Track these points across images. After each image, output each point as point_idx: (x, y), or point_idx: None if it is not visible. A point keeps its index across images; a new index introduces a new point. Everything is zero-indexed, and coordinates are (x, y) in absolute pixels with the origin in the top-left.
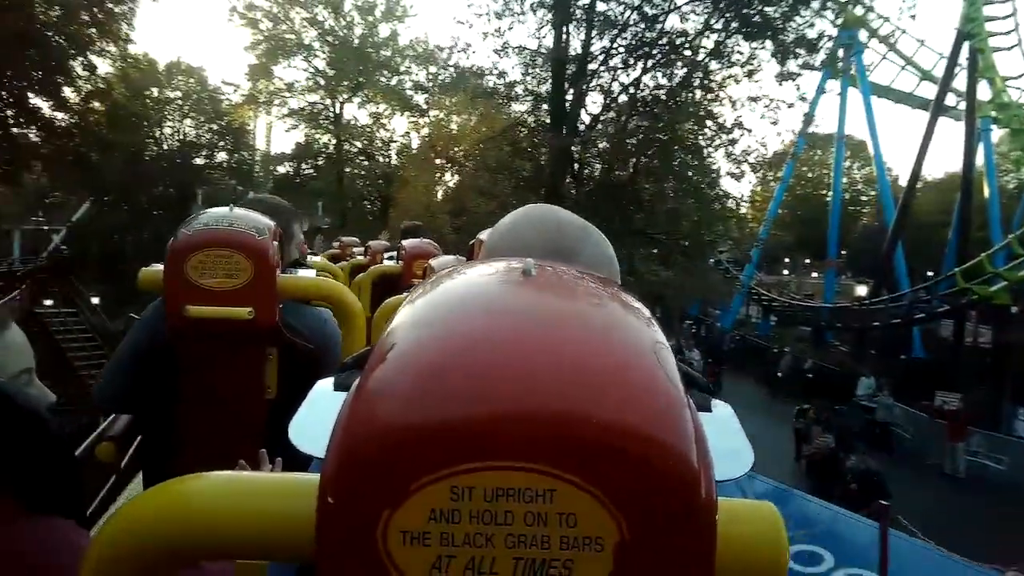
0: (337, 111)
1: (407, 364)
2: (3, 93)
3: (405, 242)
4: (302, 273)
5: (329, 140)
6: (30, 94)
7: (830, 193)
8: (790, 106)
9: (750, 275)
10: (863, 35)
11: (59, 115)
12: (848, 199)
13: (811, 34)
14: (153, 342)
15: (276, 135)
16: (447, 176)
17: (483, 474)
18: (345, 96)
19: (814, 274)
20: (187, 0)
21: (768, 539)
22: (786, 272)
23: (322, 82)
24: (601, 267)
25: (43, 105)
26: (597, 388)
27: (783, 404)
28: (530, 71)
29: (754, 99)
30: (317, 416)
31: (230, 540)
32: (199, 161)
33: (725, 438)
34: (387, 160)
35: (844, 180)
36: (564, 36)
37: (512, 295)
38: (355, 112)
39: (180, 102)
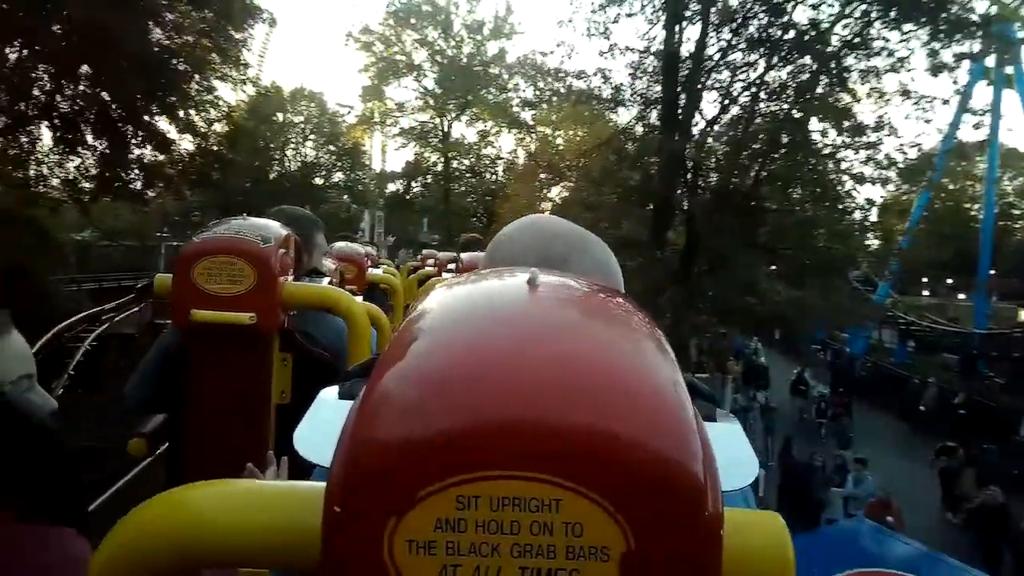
0: (445, 129)
1: (413, 374)
2: (129, 116)
3: (463, 255)
4: (324, 282)
5: (438, 159)
6: (156, 118)
7: (975, 206)
8: (945, 102)
9: (885, 294)
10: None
11: (186, 137)
12: (997, 212)
13: (971, 16)
14: (178, 347)
15: (388, 154)
16: (553, 191)
17: (489, 483)
18: (453, 114)
19: (960, 296)
20: (309, 29)
21: (774, 550)
22: (926, 293)
23: (431, 101)
24: (596, 276)
25: (169, 129)
26: (602, 398)
27: (926, 442)
28: (639, 73)
29: (904, 93)
30: (321, 425)
31: (235, 549)
32: (318, 181)
33: (730, 448)
34: (493, 176)
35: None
36: (677, 31)
37: (517, 305)
38: (463, 130)
39: (302, 126)
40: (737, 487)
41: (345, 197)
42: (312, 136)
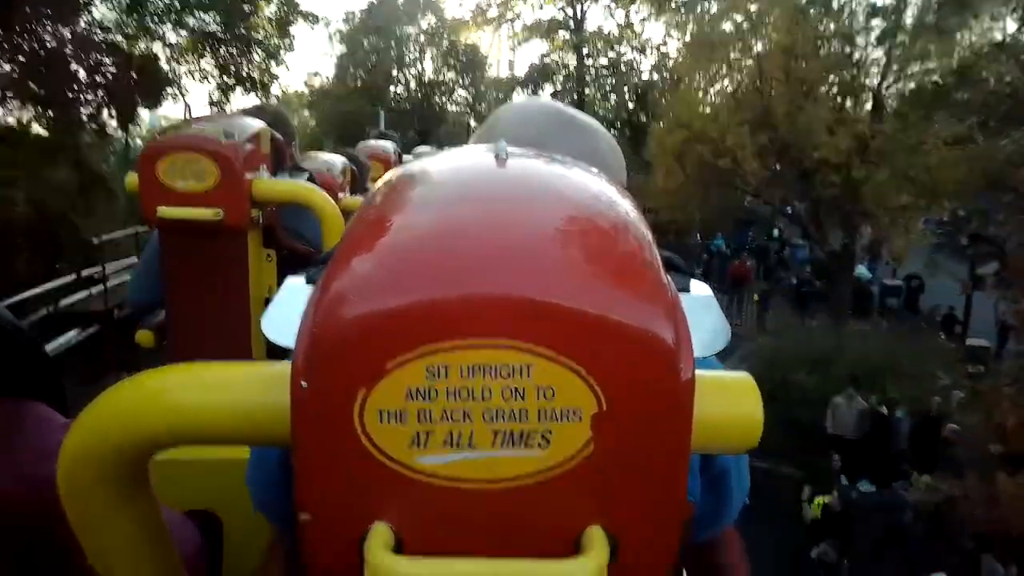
0: (578, 16)
1: (379, 246)
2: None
3: None
4: (303, 179)
5: (569, 57)
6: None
7: None
8: None
9: None
10: None
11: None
12: None
13: None
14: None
15: (512, 58)
16: (738, 67)
17: (459, 352)
18: None
19: None
20: None
21: (744, 410)
22: None
23: None
24: (584, 158)
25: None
26: (574, 264)
27: None
28: None
29: None
30: (288, 308)
31: (205, 430)
32: (439, 100)
33: (704, 316)
34: (637, 76)
35: None
36: None
37: (484, 177)
38: (600, 20)
39: (419, 39)
40: (710, 353)
41: (468, 116)
42: (430, 50)
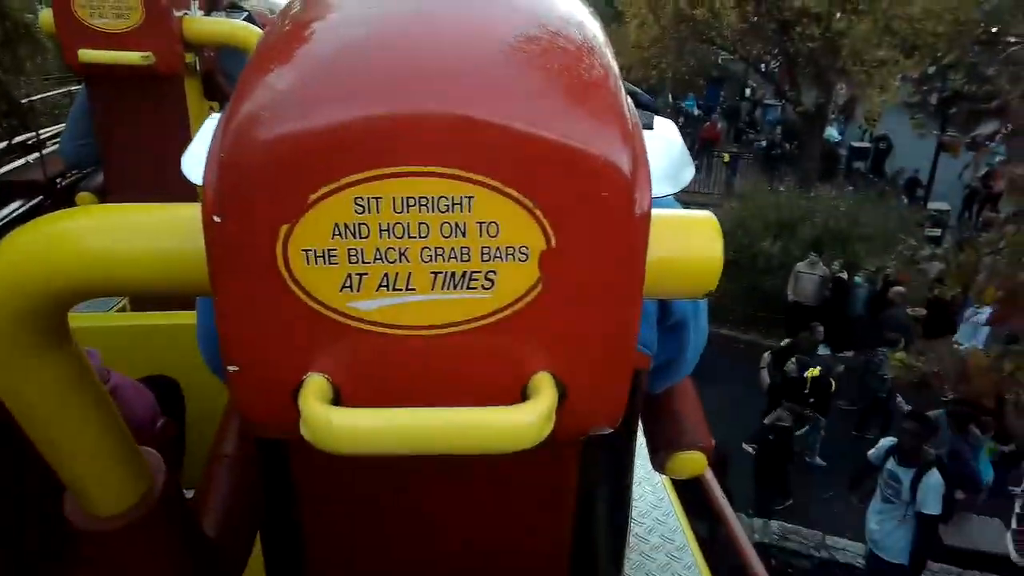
0: None
1: (297, 56)
2: None
3: None
4: (241, 18)
5: None
6: None
7: None
8: None
9: None
10: None
11: None
12: None
13: None
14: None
15: None
16: None
17: (390, 181)
18: None
19: None
20: None
21: (703, 250)
22: None
23: None
24: None
25: None
26: (522, 84)
27: None
28: None
29: None
30: (208, 144)
31: (118, 278)
32: None
33: (667, 153)
34: None
35: None
36: None
37: None
38: None
39: None
40: (672, 191)
41: None
42: None
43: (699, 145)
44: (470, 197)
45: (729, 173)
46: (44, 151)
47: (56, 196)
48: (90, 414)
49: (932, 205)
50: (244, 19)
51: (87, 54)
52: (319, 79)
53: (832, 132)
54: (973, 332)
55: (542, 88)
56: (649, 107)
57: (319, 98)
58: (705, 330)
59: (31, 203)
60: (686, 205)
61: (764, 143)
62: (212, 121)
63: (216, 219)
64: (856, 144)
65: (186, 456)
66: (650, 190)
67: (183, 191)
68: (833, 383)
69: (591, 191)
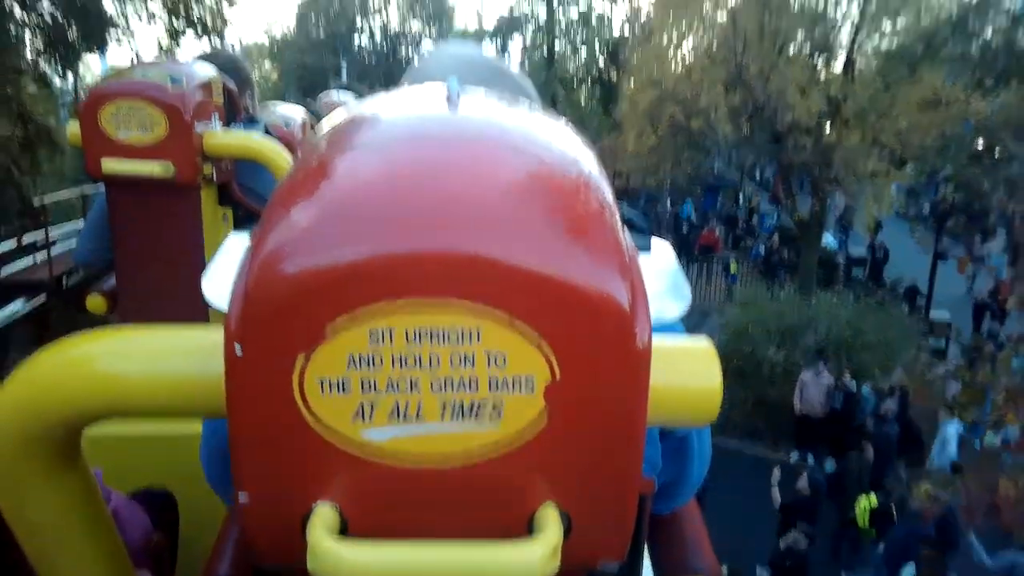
0: None
1: (319, 194)
2: None
3: None
4: (258, 130)
5: (539, 8)
6: None
7: None
8: None
9: None
10: None
11: None
12: None
13: None
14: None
15: (484, 12)
16: (712, 22)
17: (405, 314)
18: None
19: None
20: None
21: (703, 380)
22: None
23: None
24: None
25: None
26: (528, 223)
27: None
28: None
29: None
30: (229, 268)
31: (135, 401)
32: (405, 52)
33: (664, 278)
34: (609, 30)
35: None
36: None
37: (435, 120)
38: None
39: None
40: (670, 317)
41: None
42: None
43: (698, 251)
44: (479, 329)
45: (729, 279)
46: (52, 250)
47: (62, 295)
48: (92, 537)
49: (934, 314)
50: (262, 132)
51: (110, 164)
52: (337, 218)
53: (829, 239)
54: (942, 448)
55: (544, 226)
56: (644, 230)
57: (338, 236)
58: (709, 445)
59: (34, 301)
60: (687, 312)
61: (762, 249)
62: (232, 242)
63: (238, 349)
64: (854, 253)
65: (178, 568)
66: (649, 322)
67: (191, 295)
68: (895, 511)
69: (592, 325)
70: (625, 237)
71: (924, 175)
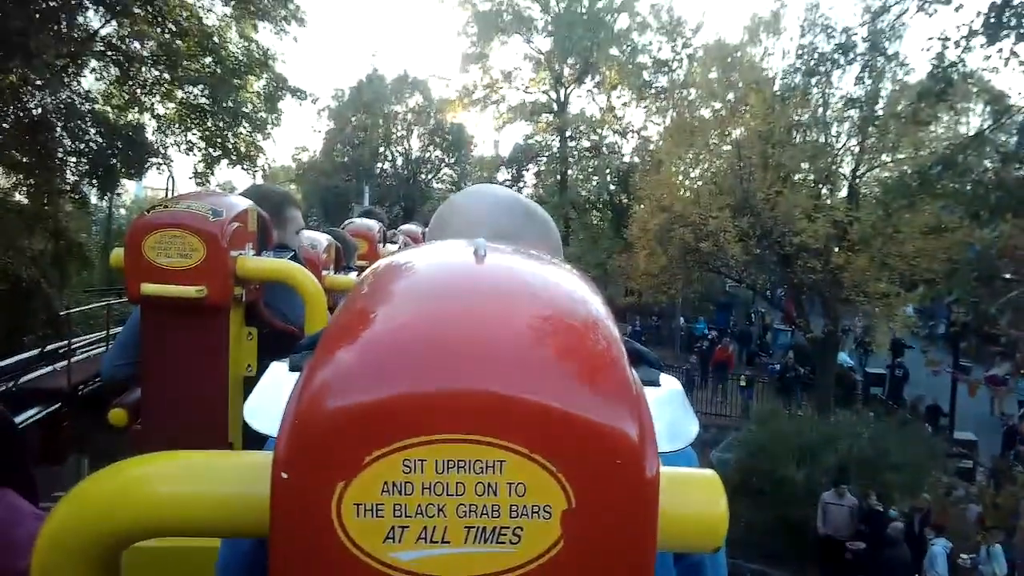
0: (562, 99)
1: (359, 342)
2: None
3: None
4: (287, 257)
5: (552, 139)
6: None
7: None
8: None
9: None
10: None
11: None
12: None
13: None
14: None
15: (496, 139)
16: (718, 153)
17: (435, 447)
18: (571, 79)
19: None
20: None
21: (709, 507)
22: None
23: (542, 60)
24: (545, 245)
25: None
26: (545, 365)
27: None
28: None
29: None
30: (271, 396)
31: (183, 520)
32: (424, 177)
33: (671, 411)
34: (620, 159)
35: None
36: None
37: (462, 275)
38: (583, 104)
39: (407, 116)
40: (676, 448)
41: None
42: (417, 128)
43: (712, 367)
44: (502, 461)
45: (745, 396)
46: (72, 359)
47: (77, 403)
48: None
49: (959, 435)
50: (290, 258)
51: (148, 288)
52: (378, 359)
53: (844, 357)
54: (931, 567)
55: (562, 369)
56: (654, 364)
57: (377, 376)
58: (724, 567)
59: (49, 409)
60: (704, 426)
61: (777, 367)
62: (274, 373)
63: (284, 475)
64: (871, 370)
65: None
66: (656, 453)
67: (212, 408)
68: None
69: (605, 458)
70: (632, 375)
71: (932, 298)
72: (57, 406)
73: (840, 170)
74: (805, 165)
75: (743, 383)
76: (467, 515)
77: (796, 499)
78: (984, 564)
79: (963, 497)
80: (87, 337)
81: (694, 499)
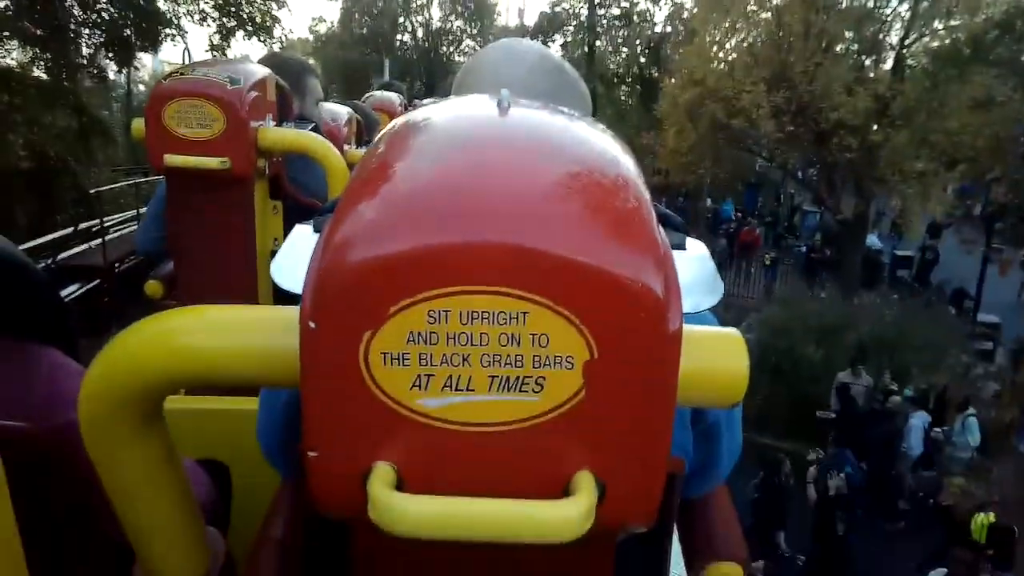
0: None
1: (384, 192)
2: None
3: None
4: (308, 128)
5: (580, 7)
6: None
7: None
8: None
9: None
10: None
11: None
12: None
13: None
14: None
15: (526, 10)
16: (755, 21)
17: (459, 298)
18: None
19: None
20: None
21: (730, 364)
22: None
23: None
24: (573, 104)
25: None
26: (571, 218)
27: None
28: None
29: None
30: (297, 255)
31: (218, 371)
32: (445, 49)
33: (697, 272)
34: (651, 27)
35: None
36: None
37: (486, 126)
38: None
39: None
40: (701, 308)
41: None
42: None
43: (738, 249)
44: (525, 312)
45: (769, 277)
46: (106, 237)
47: (115, 280)
48: (171, 491)
49: (982, 317)
50: (311, 129)
51: (171, 159)
52: (401, 212)
53: (874, 239)
54: (907, 439)
55: (588, 222)
56: (680, 229)
57: (401, 227)
58: (739, 433)
59: (89, 286)
60: (726, 307)
61: (804, 248)
62: (299, 233)
63: (312, 325)
64: (900, 252)
65: (229, 532)
66: (680, 310)
67: (242, 279)
68: (1016, 530)
69: (629, 311)
70: (660, 233)
71: (973, 176)
72: (96, 282)
73: (887, 39)
74: (849, 34)
75: (767, 262)
76: (491, 364)
77: (813, 377)
78: (958, 435)
79: (981, 375)
80: (117, 216)
81: (716, 355)
